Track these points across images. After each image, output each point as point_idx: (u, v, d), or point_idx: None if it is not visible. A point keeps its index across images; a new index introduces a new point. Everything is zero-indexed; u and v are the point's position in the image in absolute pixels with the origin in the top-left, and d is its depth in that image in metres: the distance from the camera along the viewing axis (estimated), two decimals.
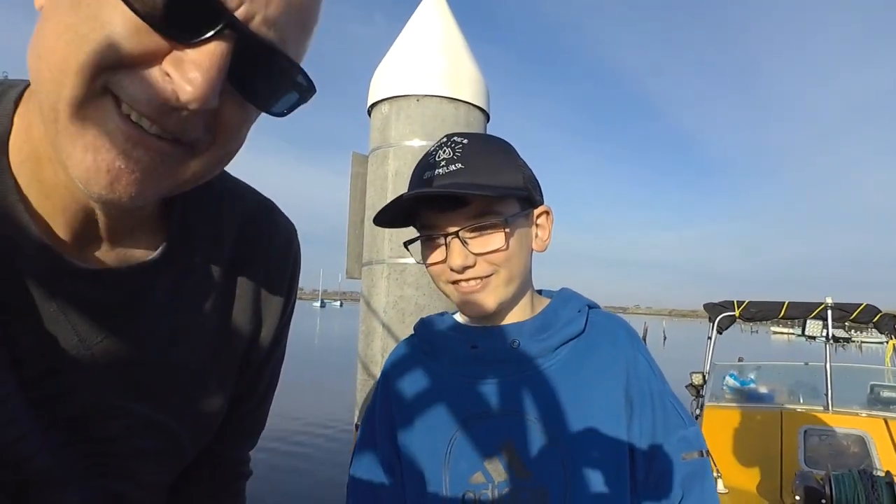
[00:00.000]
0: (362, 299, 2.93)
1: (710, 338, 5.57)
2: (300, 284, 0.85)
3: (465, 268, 0.83)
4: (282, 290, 0.75)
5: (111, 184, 0.44)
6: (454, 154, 0.83)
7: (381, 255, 2.79)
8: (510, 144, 0.90)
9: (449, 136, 0.87)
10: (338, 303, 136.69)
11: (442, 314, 1.00)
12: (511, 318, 0.91)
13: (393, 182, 2.82)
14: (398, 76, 2.87)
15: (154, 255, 0.59)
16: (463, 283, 0.84)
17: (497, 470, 0.84)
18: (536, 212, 0.90)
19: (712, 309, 5.63)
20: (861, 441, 4.14)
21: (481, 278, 0.84)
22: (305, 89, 0.50)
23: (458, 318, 0.97)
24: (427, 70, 2.84)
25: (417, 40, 2.92)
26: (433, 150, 0.86)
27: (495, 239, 0.83)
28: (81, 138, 0.43)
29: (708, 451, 0.89)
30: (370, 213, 2.92)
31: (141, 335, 0.59)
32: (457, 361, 0.90)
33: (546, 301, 0.95)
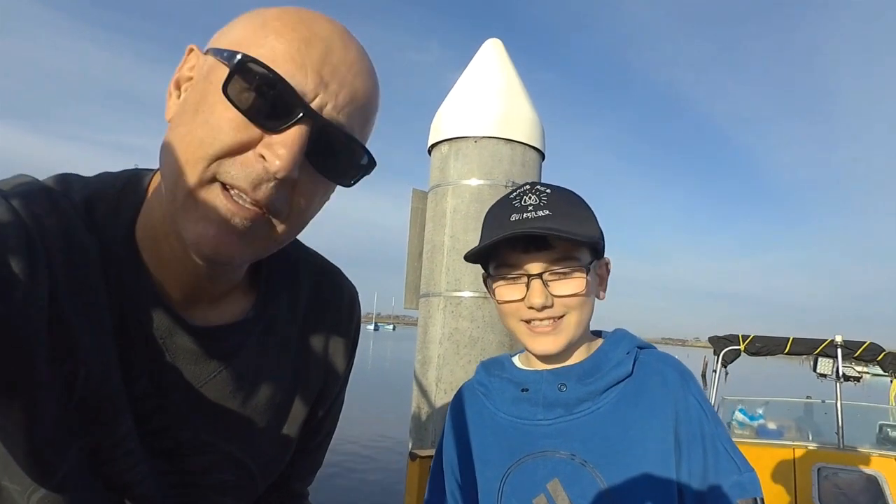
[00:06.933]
0: (419, 329, 3.05)
1: (714, 371, 5.65)
2: None
3: (544, 307, 0.86)
4: (346, 348, 0.83)
5: (216, 246, 0.55)
6: (540, 201, 0.87)
7: (437, 287, 2.91)
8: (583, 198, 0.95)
9: (532, 184, 0.91)
10: (391, 326, 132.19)
11: (500, 357, 1.02)
12: (567, 360, 0.93)
13: (451, 218, 2.95)
14: (457, 119, 3.02)
15: (248, 313, 0.69)
16: (536, 323, 0.88)
17: None
18: (601, 262, 0.94)
19: (717, 342, 5.70)
20: (875, 481, 4.22)
21: (554, 319, 0.87)
22: (368, 164, 0.60)
23: (516, 360, 1.00)
24: (485, 113, 2.99)
25: (476, 85, 3.07)
26: (517, 195, 0.90)
27: (575, 284, 0.86)
28: (195, 213, 0.54)
29: (763, 500, 0.85)
30: (428, 248, 3.04)
31: (232, 383, 0.67)
32: (509, 403, 0.93)
33: (599, 342, 0.96)
